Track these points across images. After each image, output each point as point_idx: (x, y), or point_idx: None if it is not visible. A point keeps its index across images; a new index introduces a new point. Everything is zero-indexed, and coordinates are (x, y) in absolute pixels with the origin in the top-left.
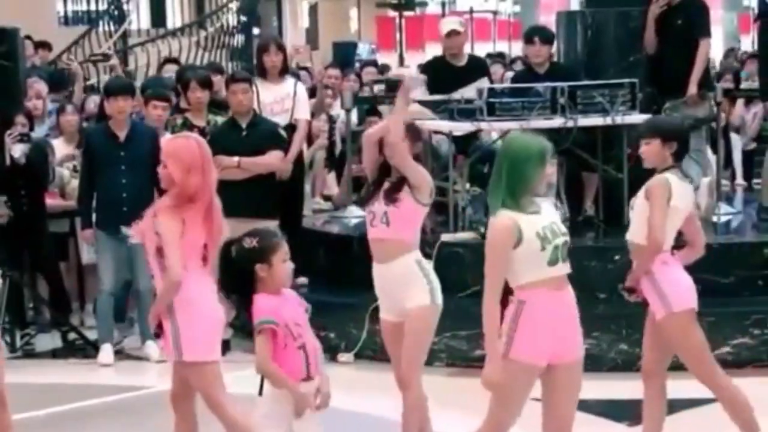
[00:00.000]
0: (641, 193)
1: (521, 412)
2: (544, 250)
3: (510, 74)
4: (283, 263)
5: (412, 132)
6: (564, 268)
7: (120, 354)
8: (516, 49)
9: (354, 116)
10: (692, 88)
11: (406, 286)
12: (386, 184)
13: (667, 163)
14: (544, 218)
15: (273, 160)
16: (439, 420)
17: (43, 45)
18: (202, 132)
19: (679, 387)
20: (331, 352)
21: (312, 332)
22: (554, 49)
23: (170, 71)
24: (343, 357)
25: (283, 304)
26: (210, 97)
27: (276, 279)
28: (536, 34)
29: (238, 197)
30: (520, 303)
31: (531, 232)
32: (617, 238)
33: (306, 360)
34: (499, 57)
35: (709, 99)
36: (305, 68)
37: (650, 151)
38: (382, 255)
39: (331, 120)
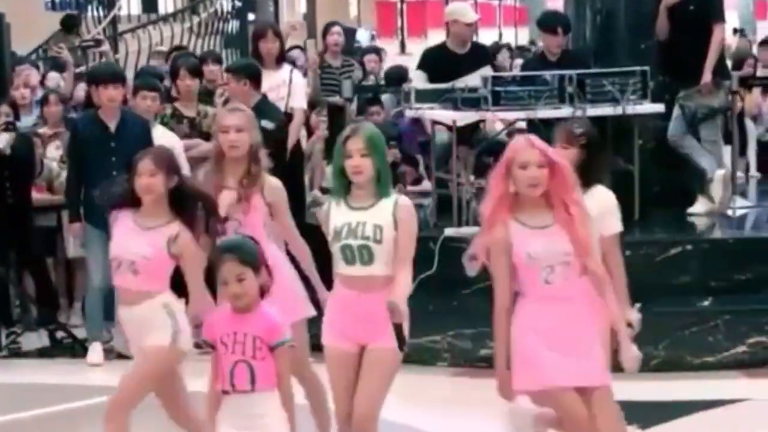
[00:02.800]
0: None
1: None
2: (333, 246)
3: (519, 61)
4: (223, 285)
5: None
6: (364, 270)
7: (110, 353)
8: (522, 35)
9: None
10: (706, 76)
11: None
12: None
13: None
14: (361, 215)
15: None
16: (444, 422)
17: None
18: (191, 122)
19: (695, 388)
20: None
21: (245, 359)
22: None
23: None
24: None
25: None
26: (204, 86)
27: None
28: (558, 24)
29: None
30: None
31: (332, 223)
32: (627, 233)
33: (221, 376)
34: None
35: (724, 87)
36: (298, 47)
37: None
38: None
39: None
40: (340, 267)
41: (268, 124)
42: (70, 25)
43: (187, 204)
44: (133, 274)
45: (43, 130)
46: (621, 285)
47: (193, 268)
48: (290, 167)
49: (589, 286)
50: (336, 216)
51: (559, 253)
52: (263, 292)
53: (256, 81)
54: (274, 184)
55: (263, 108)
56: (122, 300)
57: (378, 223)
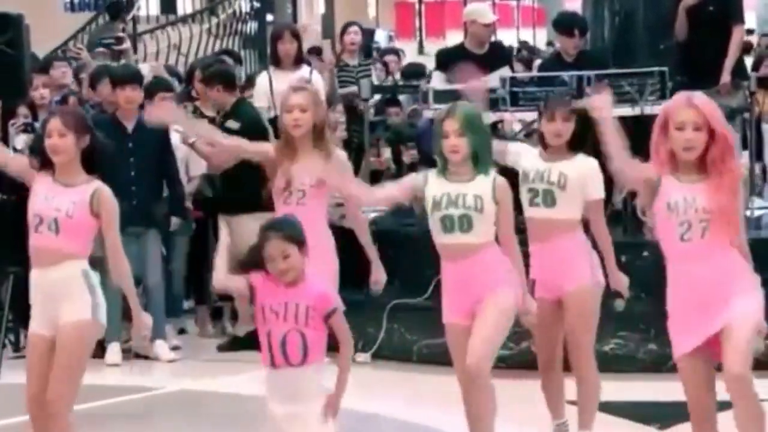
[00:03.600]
0: None
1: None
2: (432, 215)
3: (537, 62)
4: (270, 262)
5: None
6: (462, 238)
7: (128, 353)
8: (541, 36)
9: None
10: (725, 77)
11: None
12: None
13: None
14: (461, 187)
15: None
16: (461, 422)
17: None
18: (212, 122)
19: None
20: None
21: (297, 327)
22: None
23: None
24: (360, 357)
25: (272, 288)
26: None
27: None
28: (576, 26)
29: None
30: None
31: (429, 194)
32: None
33: (269, 348)
34: (526, 49)
35: (743, 88)
36: (316, 48)
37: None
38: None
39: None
40: (438, 236)
41: (232, 125)
42: (115, 12)
43: (101, 165)
44: (54, 233)
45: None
46: (609, 248)
47: (112, 225)
48: None
49: (732, 257)
50: (434, 187)
51: (698, 209)
52: None
53: (229, 85)
54: (341, 155)
55: (236, 109)
56: (39, 262)
57: (478, 194)
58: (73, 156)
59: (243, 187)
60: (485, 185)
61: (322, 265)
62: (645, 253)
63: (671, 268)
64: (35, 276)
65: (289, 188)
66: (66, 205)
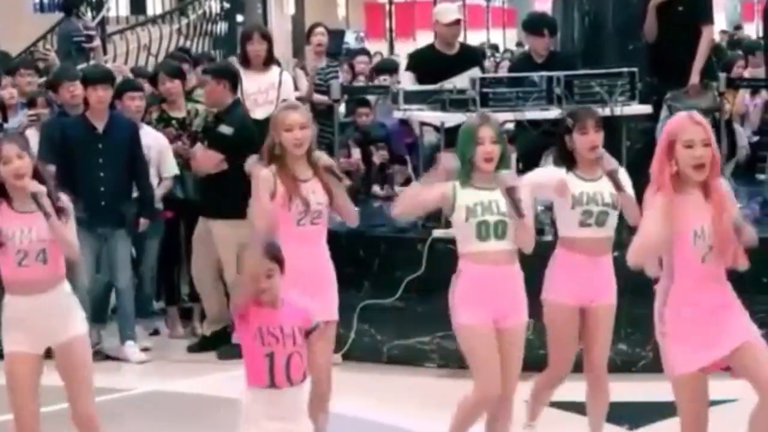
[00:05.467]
0: None
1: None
2: (467, 222)
3: (506, 63)
4: (251, 279)
5: None
6: (497, 245)
7: (98, 355)
8: (511, 37)
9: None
10: (694, 78)
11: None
12: None
13: None
14: (492, 194)
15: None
16: (431, 423)
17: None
18: (182, 123)
19: None
20: None
21: (296, 349)
22: None
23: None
24: None
25: (265, 310)
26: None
27: None
28: (545, 26)
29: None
30: (458, 271)
31: (461, 202)
32: (616, 233)
33: (270, 369)
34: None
35: (712, 89)
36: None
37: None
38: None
39: None
40: (471, 245)
41: (226, 129)
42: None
43: (46, 183)
44: (42, 262)
45: (30, 131)
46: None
47: (73, 225)
48: None
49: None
50: (465, 196)
51: (711, 235)
52: None
53: (233, 84)
54: (327, 159)
55: (231, 112)
56: (25, 291)
57: None
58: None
59: (225, 193)
60: None
61: (330, 277)
62: (615, 253)
63: (681, 289)
64: (18, 302)
65: (307, 209)
66: (45, 232)
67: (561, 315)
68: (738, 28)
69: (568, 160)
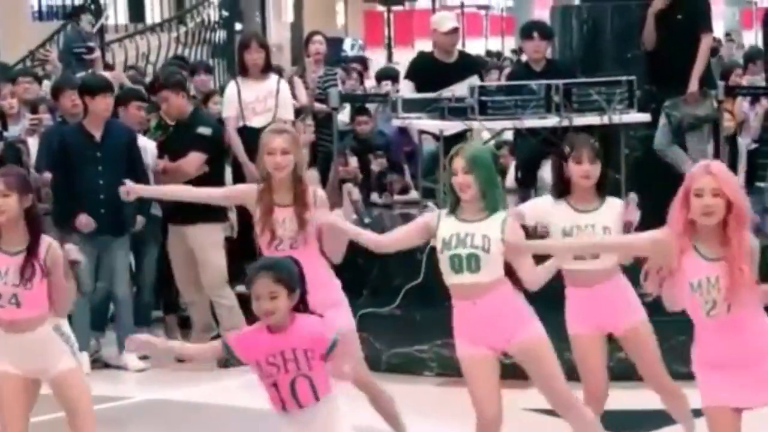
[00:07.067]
0: None
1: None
2: (442, 254)
3: (508, 71)
4: (255, 300)
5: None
6: (471, 278)
7: (97, 363)
8: (509, 45)
9: (346, 115)
10: (693, 86)
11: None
12: None
13: None
14: (470, 227)
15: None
16: (410, 430)
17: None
18: (176, 129)
19: None
20: None
21: (301, 373)
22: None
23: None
24: None
25: (258, 340)
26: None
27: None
28: (535, 29)
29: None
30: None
31: (439, 234)
32: None
33: (279, 396)
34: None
35: (711, 97)
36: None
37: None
38: None
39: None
40: (447, 277)
41: (205, 131)
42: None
43: (40, 224)
44: (16, 306)
45: (31, 139)
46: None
47: (62, 278)
48: None
49: (759, 320)
50: (444, 227)
51: (720, 289)
52: (304, 308)
53: (188, 92)
54: (320, 194)
55: (200, 115)
56: (9, 329)
57: (486, 234)
58: (17, 217)
59: None
60: (494, 225)
61: (336, 297)
62: None
63: (699, 336)
64: (8, 338)
65: (273, 237)
66: (18, 278)
67: (576, 346)
68: (728, 35)
69: (562, 186)
